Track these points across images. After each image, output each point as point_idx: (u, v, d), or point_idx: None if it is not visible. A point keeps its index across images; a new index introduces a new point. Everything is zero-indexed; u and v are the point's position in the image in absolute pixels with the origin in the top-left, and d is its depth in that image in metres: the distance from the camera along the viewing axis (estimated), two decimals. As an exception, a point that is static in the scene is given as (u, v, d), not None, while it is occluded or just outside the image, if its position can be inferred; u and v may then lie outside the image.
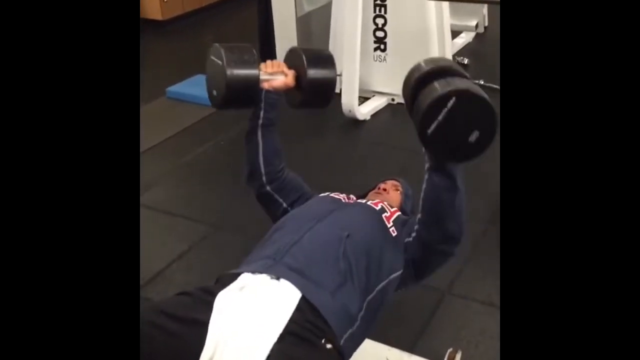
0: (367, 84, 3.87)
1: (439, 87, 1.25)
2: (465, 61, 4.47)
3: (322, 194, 1.75)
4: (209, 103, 4.62)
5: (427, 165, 1.37)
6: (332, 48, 4.00)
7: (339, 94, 3.75)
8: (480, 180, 2.99)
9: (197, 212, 2.85)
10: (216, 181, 3.15)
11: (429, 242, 1.50)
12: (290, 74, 1.65)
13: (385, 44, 3.81)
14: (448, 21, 3.76)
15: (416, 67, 1.39)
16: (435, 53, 3.70)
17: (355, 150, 3.51)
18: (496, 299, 2.19)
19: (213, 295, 1.32)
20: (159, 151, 3.46)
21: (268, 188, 1.69)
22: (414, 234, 1.51)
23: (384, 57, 3.83)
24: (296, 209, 1.69)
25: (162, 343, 1.24)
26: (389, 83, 3.89)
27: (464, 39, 4.87)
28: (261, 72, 1.62)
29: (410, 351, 1.88)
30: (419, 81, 1.33)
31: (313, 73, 1.60)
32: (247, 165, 1.73)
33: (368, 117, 3.77)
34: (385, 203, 1.67)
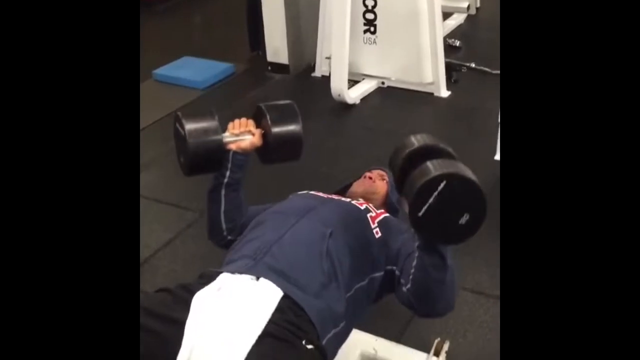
0: (356, 67, 3.83)
1: (430, 169, 1.26)
2: (457, 43, 4.43)
3: (300, 192, 1.73)
4: (196, 85, 4.58)
5: (416, 244, 1.37)
6: (321, 30, 3.96)
7: (328, 77, 3.71)
8: (469, 164, 2.96)
9: (184, 199, 2.81)
10: (203, 166, 3.10)
11: (416, 311, 1.51)
12: (257, 132, 1.64)
13: (375, 26, 3.75)
14: (439, 2, 3.71)
15: (406, 143, 1.41)
16: (426, 35, 3.65)
17: (345, 135, 3.48)
18: (486, 287, 2.18)
19: (192, 293, 1.29)
20: (145, 135, 3.40)
21: (229, 238, 1.68)
22: (406, 288, 1.44)
23: (374, 39, 3.78)
24: (277, 205, 1.66)
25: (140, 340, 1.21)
26: (379, 66, 3.85)
27: (456, 20, 4.82)
28: (227, 134, 1.63)
29: (398, 341, 1.86)
30: (409, 159, 1.35)
31: (278, 130, 1.62)
32: (208, 221, 1.71)
33: (358, 101, 3.73)
34: (371, 205, 1.65)
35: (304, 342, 1.25)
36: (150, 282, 2.27)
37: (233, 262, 1.42)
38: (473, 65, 4.05)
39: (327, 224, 1.47)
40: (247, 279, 1.33)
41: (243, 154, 1.63)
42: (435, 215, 1.24)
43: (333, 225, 1.47)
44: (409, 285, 1.42)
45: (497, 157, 3.01)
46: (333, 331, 1.36)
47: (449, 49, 4.23)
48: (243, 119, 1.67)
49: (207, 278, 1.36)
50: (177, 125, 1.62)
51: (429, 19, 3.63)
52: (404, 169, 1.35)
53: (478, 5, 5.00)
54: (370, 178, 1.84)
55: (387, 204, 1.79)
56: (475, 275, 2.24)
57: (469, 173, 1.27)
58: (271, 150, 1.65)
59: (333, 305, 1.36)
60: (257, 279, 1.33)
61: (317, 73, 4.13)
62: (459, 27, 4.80)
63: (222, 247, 1.71)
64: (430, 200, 1.23)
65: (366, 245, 1.49)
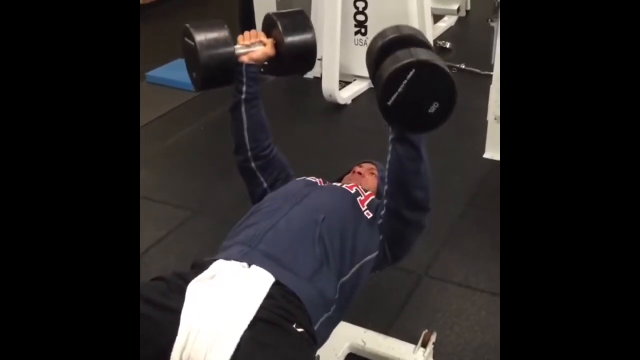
0: (347, 68, 3.86)
1: (400, 57, 1.23)
2: (447, 45, 4.47)
3: (297, 178, 1.75)
4: (189, 88, 4.57)
5: (390, 137, 1.36)
6: (313, 32, 3.99)
7: (320, 79, 3.74)
8: (458, 161, 3.01)
9: (176, 198, 2.84)
10: (195, 166, 3.13)
11: (397, 211, 1.48)
12: (269, 42, 1.60)
13: (365, 27, 3.79)
14: (429, 4, 3.75)
15: (380, 34, 1.37)
16: (416, 37, 3.69)
17: (336, 135, 3.50)
18: (473, 281, 2.21)
19: (186, 282, 1.31)
20: (138, 136, 3.44)
21: (253, 165, 1.66)
22: (383, 211, 1.50)
23: (365, 40, 3.81)
24: (273, 192, 1.68)
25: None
26: (370, 67, 3.88)
27: (446, 22, 4.87)
28: (238, 46, 1.57)
29: (386, 333, 1.89)
30: (382, 50, 1.32)
31: (291, 39, 1.55)
32: (233, 138, 1.69)
33: (349, 102, 3.76)
34: (360, 187, 1.67)
35: (294, 325, 1.27)
36: (142, 278, 2.28)
37: (228, 248, 1.44)
38: (463, 66, 4.09)
39: (319, 210, 1.49)
40: (239, 267, 1.35)
41: (256, 65, 1.59)
42: (404, 104, 1.22)
43: (325, 211, 1.49)
44: (386, 187, 1.42)
45: (486, 155, 3.05)
46: (325, 315, 1.38)
47: (439, 50, 4.27)
48: (253, 30, 1.61)
49: (199, 267, 1.38)
50: (186, 38, 1.54)
51: (419, 21, 3.67)
52: (377, 60, 1.31)
53: (468, 7, 5.03)
54: (360, 173, 1.85)
55: (377, 197, 1.81)
56: (463, 269, 2.27)
57: (439, 61, 1.24)
58: (284, 60, 1.58)
59: (325, 290, 1.39)
60: (249, 266, 1.35)
61: (309, 74, 4.15)
62: (450, 29, 4.84)
63: (245, 171, 1.69)
64: (400, 89, 1.21)
65: (358, 228, 1.51)
